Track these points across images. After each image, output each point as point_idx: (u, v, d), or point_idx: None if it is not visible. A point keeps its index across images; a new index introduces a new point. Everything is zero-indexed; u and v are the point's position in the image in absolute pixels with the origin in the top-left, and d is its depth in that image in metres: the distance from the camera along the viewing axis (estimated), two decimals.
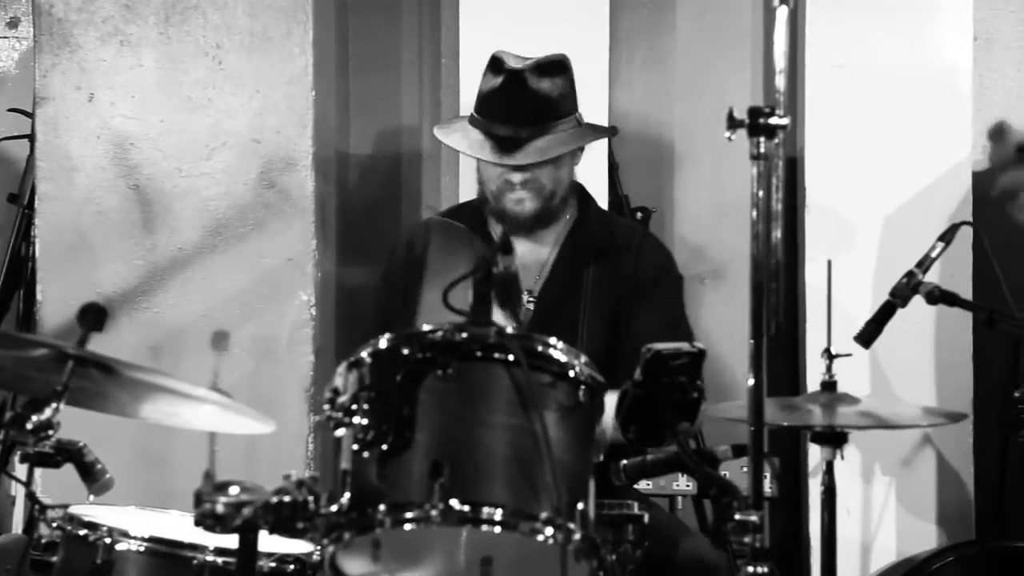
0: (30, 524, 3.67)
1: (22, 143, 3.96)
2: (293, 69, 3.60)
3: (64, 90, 3.62)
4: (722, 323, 3.88)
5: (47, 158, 3.63)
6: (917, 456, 3.68)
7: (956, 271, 3.56)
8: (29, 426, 2.09)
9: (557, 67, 2.85)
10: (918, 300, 3.04)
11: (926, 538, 3.64)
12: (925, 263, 3.06)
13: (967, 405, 3.61)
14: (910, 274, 3.05)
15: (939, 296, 2.99)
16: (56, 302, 3.59)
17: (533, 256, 2.91)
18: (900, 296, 3.03)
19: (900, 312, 3.08)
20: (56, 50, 3.62)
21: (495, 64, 2.85)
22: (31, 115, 3.74)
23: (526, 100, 2.79)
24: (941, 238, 3.10)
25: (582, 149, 2.95)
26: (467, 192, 3.58)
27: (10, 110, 4.08)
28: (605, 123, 3.62)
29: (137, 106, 3.62)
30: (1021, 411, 2.91)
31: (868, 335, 3.05)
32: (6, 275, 3.98)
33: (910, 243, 3.30)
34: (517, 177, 2.80)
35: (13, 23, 4.24)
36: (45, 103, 3.64)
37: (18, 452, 2.20)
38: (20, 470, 3.37)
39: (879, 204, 3.70)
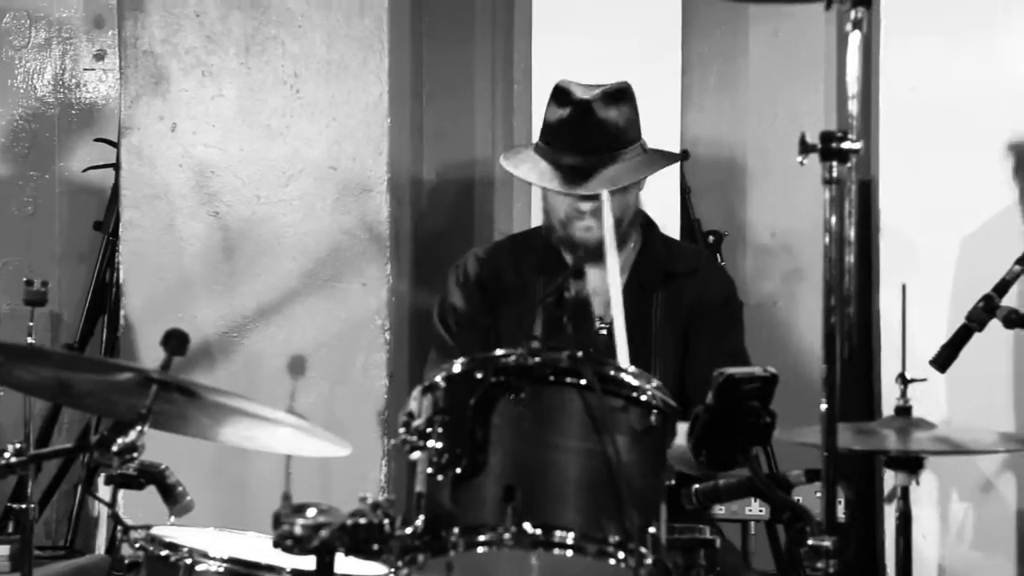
0: (113, 544, 3.74)
1: (107, 172, 4.05)
2: (369, 97, 3.65)
3: (148, 120, 3.69)
4: (795, 345, 3.85)
5: (131, 186, 3.70)
6: (996, 482, 3.62)
7: None
8: (115, 448, 2.11)
9: (622, 95, 2.84)
10: (995, 324, 3.00)
11: (1005, 567, 3.58)
12: (1002, 286, 3.02)
13: None
14: (987, 298, 3.00)
15: (1016, 320, 2.94)
16: (139, 328, 3.66)
17: (603, 284, 2.91)
18: (977, 320, 2.98)
19: (977, 336, 3.04)
20: (140, 81, 3.69)
21: (560, 94, 2.84)
22: (116, 145, 3.82)
23: (594, 130, 2.79)
24: (1019, 261, 3.05)
25: (644, 177, 2.94)
26: (539, 217, 3.59)
27: (96, 140, 4.18)
28: (677, 147, 3.62)
29: (218, 135, 3.68)
30: None
31: (944, 360, 3.01)
32: (91, 301, 4.08)
33: (986, 266, 3.26)
34: (586, 206, 2.79)
35: (99, 56, 4.34)
36: (130, 133, 3.71)
37: (102, 474, 2.24)
38: (103, 492, 3.46)
39: (954, 227, 3.66)
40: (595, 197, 2.78)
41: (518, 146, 3.43)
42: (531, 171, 2.87)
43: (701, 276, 2.94)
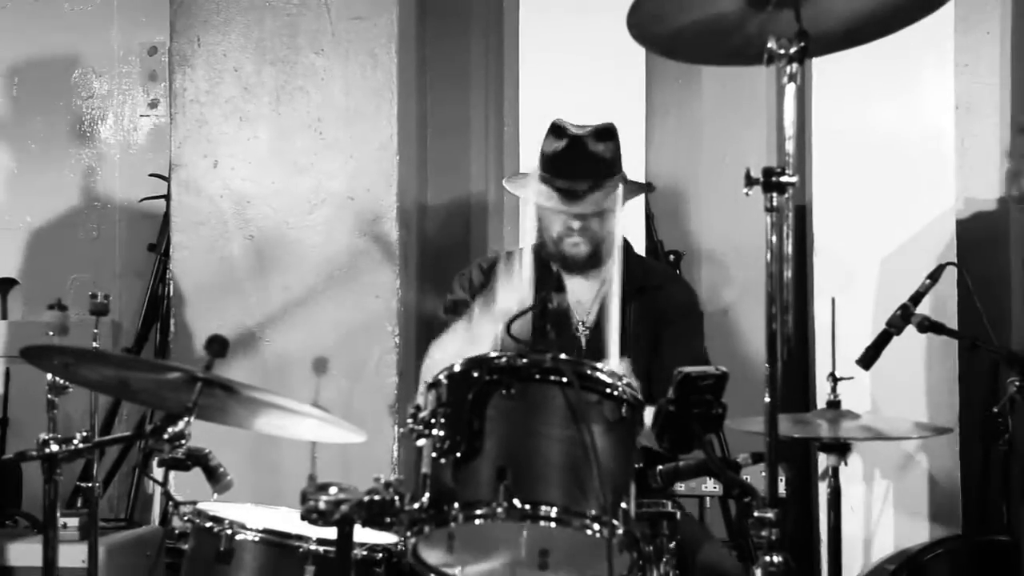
0: (165, 518, 3.72)
1: (160, 202, 4.04)
2: (381, 138, 3.64)
3: (194, 158, 3.69)
4: (743, 348, 3.85)
5: (180, 214, 3.69)
6: (912, 462, 3.62)
7: (943, 305, 3.51)
8: (166, 436, 2.11)
9: (609, 134, 2.87)
10: (911, 329, 3.00)
11: (919, 533, 3.58)
12: (916, 297, 3.02)
13: (954, 420, 3.56)
14: (904, 307, 3.00)
15: (928, 326, 2.95)
16: (187, 334, 3.65)
17: (586, 295, 2.92)
18: (895, 326, 2.99)
19: (896, 339, 3.04)
20: (188, 125, 3.69)
21: (557, 130, 2.87)
22: (167, 179, 3.81)
23: (586, 160, 2.81)
24: (930, 276, 3.06)
25: (623, 204, 2.95)
26: (525, 238, 3.59)
27: (151, 175, 4.17)
28: (642, 179, 3.62)
29: (253, 170, 3.67)
30: (1000, 424, 2.85)
31: (868, 359, 3.01)
32: (146, 311, 4.06)
33: (903, 281, 3.27)
34: (576, 224, 2.81)
35: (153, 104, 4.34)
36: (178, 169, 3.70)
37: (156, 458, 2.23)
38: (157, 473, 3.45)
39: (877, 247, 3.67)
40: (585, 217, 2.79)
41: (516, 174, 3.41)
42: (532, 193, 2.89)
43: (668, 290, 2.95)
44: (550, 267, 2.91)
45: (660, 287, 2.93)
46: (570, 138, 2.83)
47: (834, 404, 2.85)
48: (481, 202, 4.04)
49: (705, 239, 4.02)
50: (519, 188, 3.02)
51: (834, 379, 2.86)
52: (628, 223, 3.24)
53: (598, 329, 2.87)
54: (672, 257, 3.82)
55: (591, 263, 2.87)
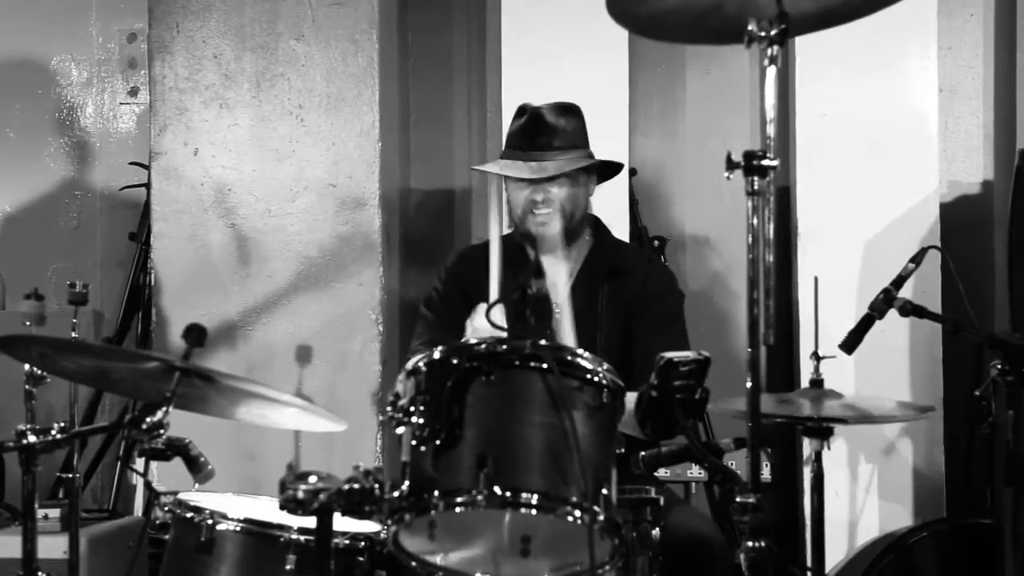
0: (147, 508, 3.70)
1: (140, 190, 4.02)
2: (363, 125, 3.62)
3: (174, 146, 3.66)
4: (730, 332, 3.85)
5: (160, 203, 3.67)
6: (895, 447, 3.63)
7: (927, 288, 3.52)
8: (144, 426, 2.09)
9: (570, 110, 2.87)
10: (894, 313, 3.00)
11: (903, 517, 3.59)
12: (898, 281, 3.01)
13: (937, 403, 3.56)
14: (886, 291, 2.99)
15: (910, 309, 2.94)
16: (168, 323, 3.63)
17: (558, 275, 2.91)
18: (877, 310, 2.97)
19: (879, 323, 3.04)
20: (168, 113, 3.66)
21: (520, 110, 2.89)
22: (147, 167, 3.79)
23: (543, 130, 2.82)
24: (913, 260, 3.05)
25: (596, 182, 2.93)
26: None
27: (131, 163, 4.15)
28: (626, 165, 3.60)
29: (234, 158, 3.65)
30: (983, 407, 2.84)
31: (851, 343, 3.00)
32: (127, 301, 4.03)
33: (887, 264, 3.26)
34: (539, 195, 2.80)
35: (133, 91, 4.30)
36: (159, 157, 3.68)
37: (137, 449, 2.21)
38: (139, 463, 3.42)
39: (860, 230, 3.66)
40: (545, 189, 2.78)
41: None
42: (493, 166, 2.90)
43: (642, 272, 2.93)
44: (526, 252, 2.89)
45: (633, 271, 2.91)
46: (529, 112, 2.85)
47: (817, 383, 2.84)
48: (465, 189, 4.03)
49: (690, 224, 4.01)
50: (483, 165, 3.03)
51: (817, 358, 2.85)
52: (611, 210, 3.21)
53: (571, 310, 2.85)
54: (657, 243, 3.81)
55: (560, 241, 2.86)
